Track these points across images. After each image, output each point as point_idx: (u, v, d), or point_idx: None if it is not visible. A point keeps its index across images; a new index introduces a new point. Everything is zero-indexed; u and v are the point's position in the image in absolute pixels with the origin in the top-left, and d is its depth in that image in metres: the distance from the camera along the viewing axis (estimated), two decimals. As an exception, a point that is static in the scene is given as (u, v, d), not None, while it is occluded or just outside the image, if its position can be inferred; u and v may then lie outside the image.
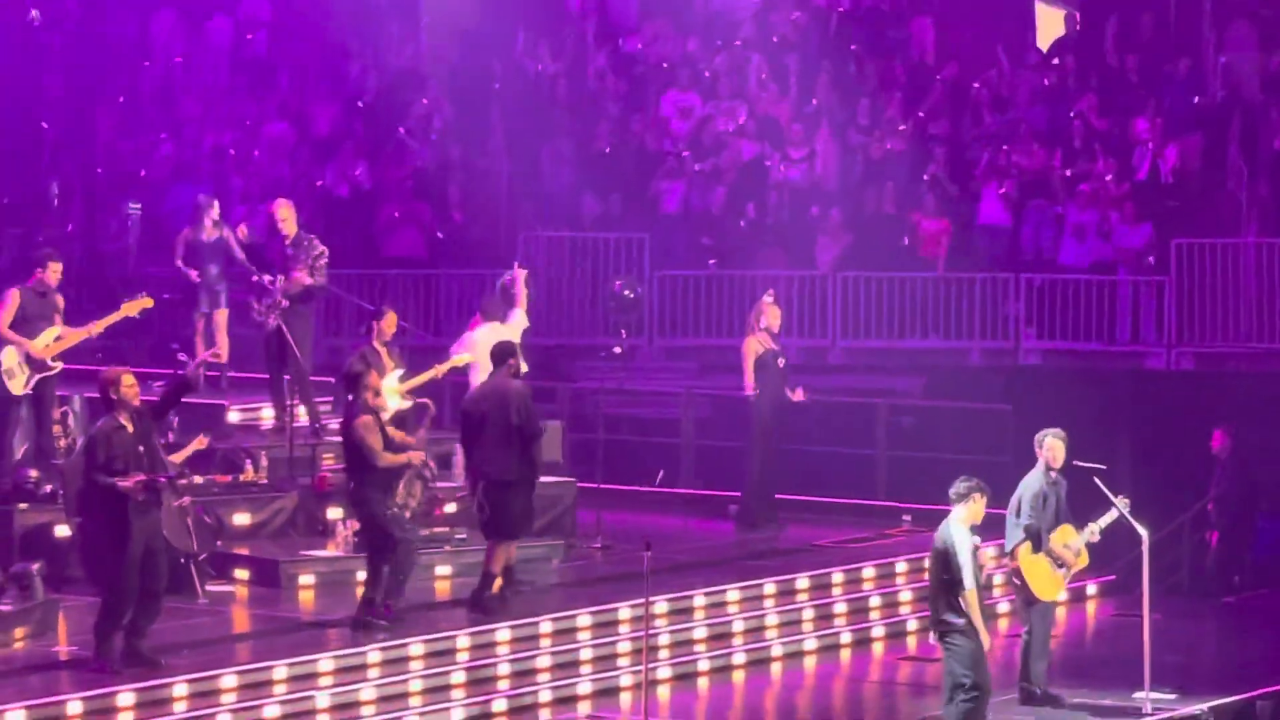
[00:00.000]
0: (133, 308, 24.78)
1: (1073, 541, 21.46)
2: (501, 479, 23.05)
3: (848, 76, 35.80)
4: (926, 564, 20.30)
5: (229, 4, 37.22)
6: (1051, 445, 21.68)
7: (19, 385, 23.90)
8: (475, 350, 25.40)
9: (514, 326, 25.67)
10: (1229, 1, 36.45)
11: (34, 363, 23.86)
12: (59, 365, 24.14)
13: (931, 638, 20.15)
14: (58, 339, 24.02)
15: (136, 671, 20.30)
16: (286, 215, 26.43)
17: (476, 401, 23.38)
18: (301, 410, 26.63)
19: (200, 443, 24.02)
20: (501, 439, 23.16)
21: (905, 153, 34.67)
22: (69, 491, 23.12)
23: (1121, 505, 21.69)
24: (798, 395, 27.23)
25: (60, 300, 24.35)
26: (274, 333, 26.32)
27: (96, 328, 24.58)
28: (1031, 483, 21.45)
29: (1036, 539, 21.25)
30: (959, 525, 19.74)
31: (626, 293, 29.35)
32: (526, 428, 22.93)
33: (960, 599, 19.66)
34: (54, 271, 24.33)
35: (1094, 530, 21.68)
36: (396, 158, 35.39)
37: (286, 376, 26.53)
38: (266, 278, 26.15)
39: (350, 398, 22.33)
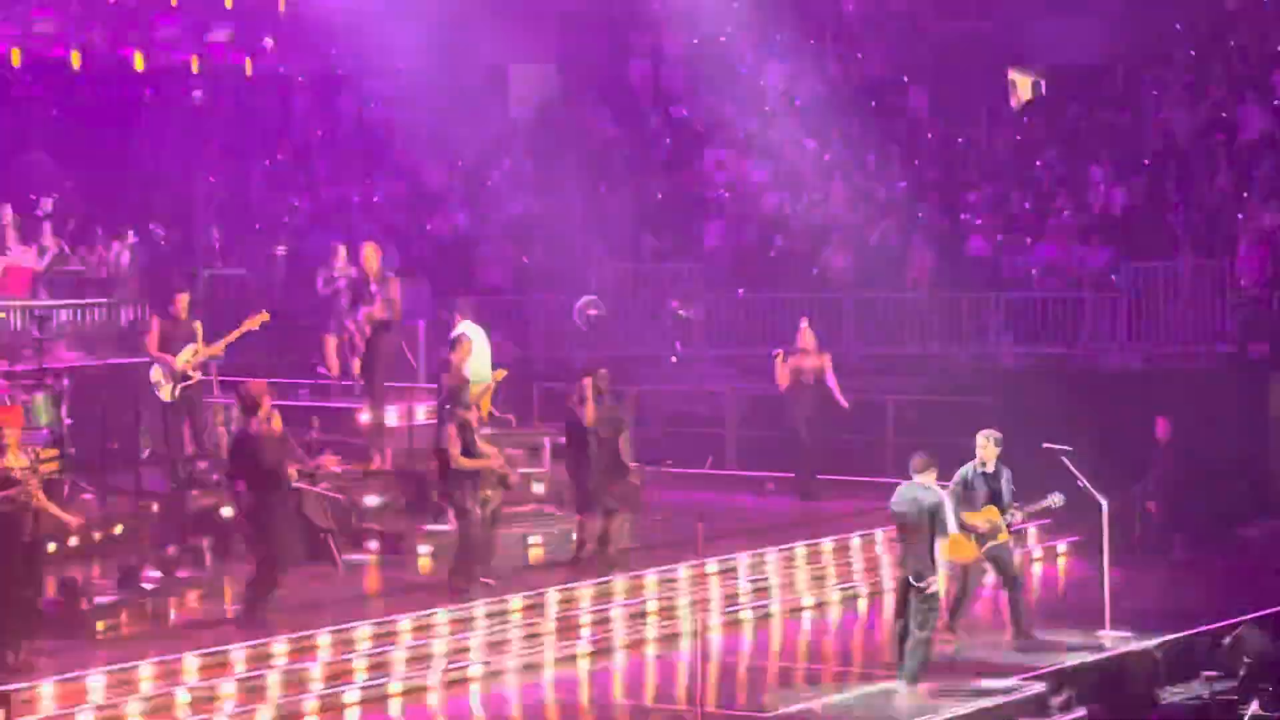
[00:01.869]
0: (253, 322, 25.20)
1: (995, 519, 21.56)
2: (570, 473, 23.62)
3: (857, 133, 35.82)
4: (906, 522, 20.26)
5: (353, 84, 37.29)
6: (981, 444, 21.81)
7: (167, 394, 24.50)
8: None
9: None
10: (1166, 69, 36.46)
11: (176, 375, 24.15)
12: (197, 375, 24.66)
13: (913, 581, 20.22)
14: (195, 354, 24.28)
15: (284, 621, 20.53)
16: (370, 255, 26.44)
17: None
18: (369, 412, 26.73)
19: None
20: (567, 442, 23.77)
21: (904, 196, 34.77)
22: (227, 479, 23.30)
23: (1063, 496, 21.92)
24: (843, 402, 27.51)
25: (197, 325, 24.63)
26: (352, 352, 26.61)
27: (226, 342, 24.85)
28: (965, 470, 21.58)
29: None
30: (937, 487, 20.11)
31: (681, 312, 29.37)
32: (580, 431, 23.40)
33: (939, 545, 19.99)
34: (182, 303, 24.66)
35: (1016, 514, 21.86)
36: (490, 206, 35.54)
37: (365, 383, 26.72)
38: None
39: (446, 408, 22.60)
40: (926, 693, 20.35)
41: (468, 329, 25.37)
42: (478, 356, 25.12)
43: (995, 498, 21.67)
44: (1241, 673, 21.94)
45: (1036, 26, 38.12)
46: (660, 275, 33.12)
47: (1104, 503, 22.95)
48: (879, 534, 25.53)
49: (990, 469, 21.67)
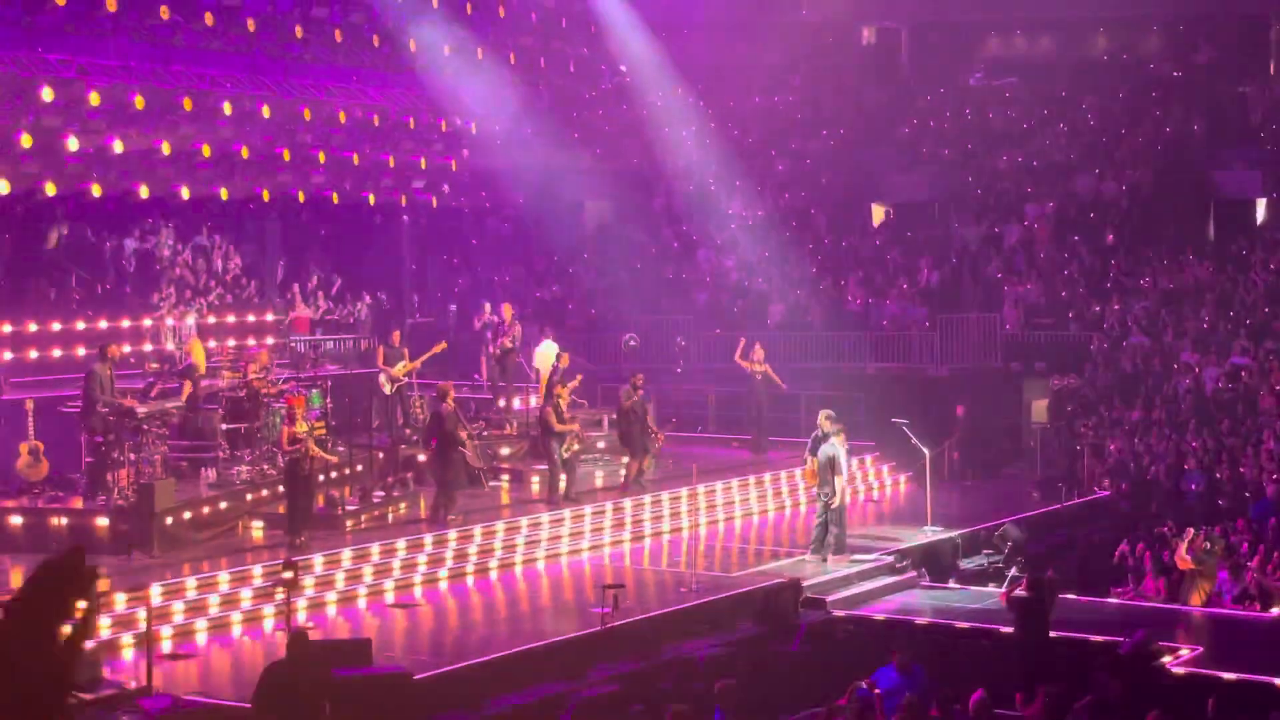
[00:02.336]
0: (437, 349, 25.26)
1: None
2: (622, 433, 23.38)
3: (784, 240, 35.79)
4: (818, 465, 20.49)
5: (495, 211, 37.19)
6: (820, 419, 20.98)
7: (388, 390, 24.62)
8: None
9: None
10: (963, 205, 36.44)
11: (394, 380, 24.21)
12: (405, 380, 24.58)
13: (820, 499, 20.33)
14: (404, 367, 24.32)
15: (454, 521, 20.56)
16: (506, 309, 26.40)
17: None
18: (504, 400, 26.64)
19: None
20: (617, 417, 23.62)
21: (812, 275, 34.75)
22: (423, 439, 23.32)
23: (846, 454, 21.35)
24: (782, 385, 27.17)
25: (405, 350, 24.66)
26: (494, 366, 26.50)
27: (421, 360, 24.92)
28: (815, 434, 20.93)
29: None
30: (840, 445, 20.20)
31: (631, 343, 29.14)
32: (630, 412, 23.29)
33: (837, 480, 19.91)
34: (396, 337, 24.87)
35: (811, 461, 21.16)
36: (573, 283, 35.59)
37: (502, 384, 26.61)
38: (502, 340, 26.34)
39: (546, 395, 22.67)
40: (830, 561, 20.37)
41: (549, 345, 25.61)
42: (547, 359, 25.55)
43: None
44: (1005, 550, 21.96)
45: (888, 177, 38.21)
46: (671, 322, 33.06)
47: (926, 452, 22.93)
48: (798, 471, 25.52)
49: (823, 433, 20.96)
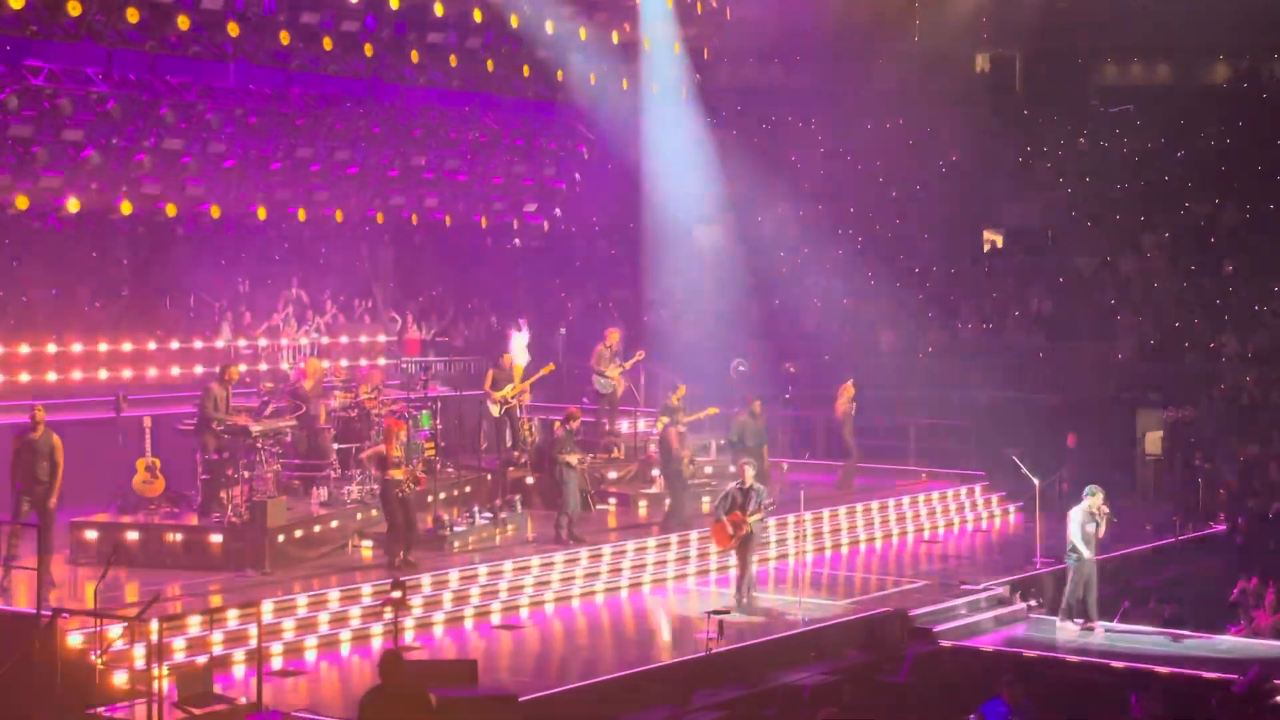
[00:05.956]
0: (545, 371, 25.33)
1: (744, 518, 19.03)
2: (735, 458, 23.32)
3: (902, 261, 35.40)
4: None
5: (606, 234, 37.25)
6: (747, 469, 19.50)
7: (496, 412, 24.56)
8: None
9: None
10: (1075, 231, 36.01)
11: (501, 403, 24.21)
12: (514, 403, 24.52)
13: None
14: (513, 389, 24.33)
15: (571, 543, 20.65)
16: (615, 336, 26.21)
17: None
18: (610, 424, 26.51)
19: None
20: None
21: (918, 305, 34.39)
22: (532, 462, 23.42)
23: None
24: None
25: (516, 371, 24.64)
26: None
27: (530, 382, 24.94)
28: (731, 487, 19.58)
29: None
30: (1079, 506, 19.82)
31: (740, 368, 28.82)
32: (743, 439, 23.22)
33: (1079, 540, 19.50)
34: (505, 360, 24.72)
35: (758, 515, 19.23)
36: (682, 305, 35.46)
37: (608, 408, 26.43)
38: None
39: (667, 420, 22.60)
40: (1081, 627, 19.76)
41: (518, 339, 25.82)
42: (518, 356, 26.08)
43: (746, 503, 19.16)
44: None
45: (1001, 204, 37.88)
46: (780, 347, 32.64)
47: (1036, 482, 22.63)
48: (905, 499, 25.35)
49: (747, 485, 19.31)
